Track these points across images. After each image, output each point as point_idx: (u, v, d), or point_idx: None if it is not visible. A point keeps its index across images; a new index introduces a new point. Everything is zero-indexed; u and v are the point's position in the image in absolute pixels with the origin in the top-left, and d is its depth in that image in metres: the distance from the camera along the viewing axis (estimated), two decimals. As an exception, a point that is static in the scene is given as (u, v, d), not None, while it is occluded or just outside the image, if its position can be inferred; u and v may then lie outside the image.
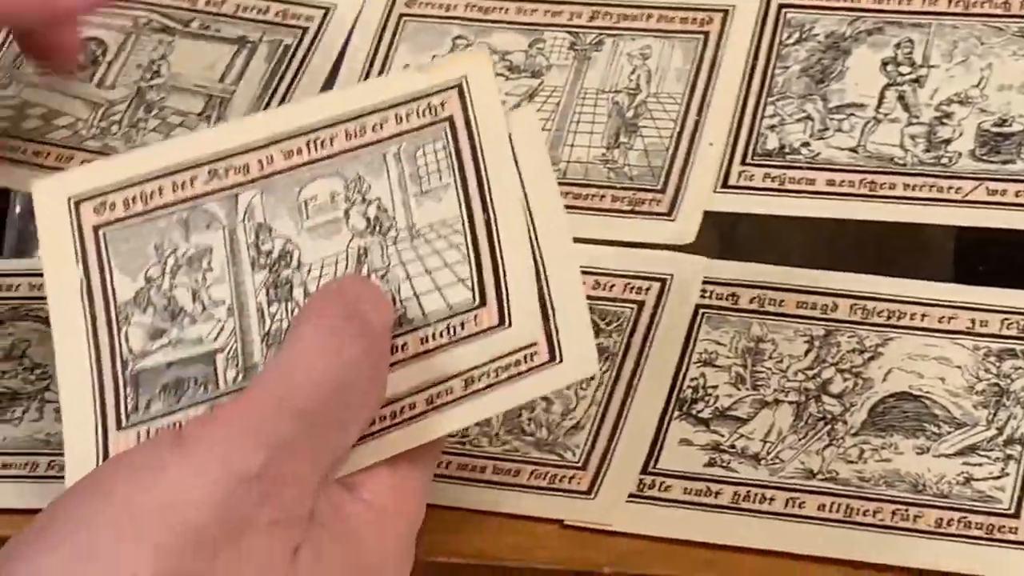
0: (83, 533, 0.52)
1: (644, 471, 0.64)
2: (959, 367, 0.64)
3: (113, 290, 0.58)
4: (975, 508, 0.60)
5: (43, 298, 0.65)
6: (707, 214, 0.70)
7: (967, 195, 0.68)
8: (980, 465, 0.62)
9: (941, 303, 0.67)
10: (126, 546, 0.52)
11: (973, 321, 0.66)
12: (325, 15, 0.78)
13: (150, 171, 0.58)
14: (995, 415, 0.63)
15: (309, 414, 0.54)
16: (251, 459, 0.53)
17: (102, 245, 0.58)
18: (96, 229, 0.58)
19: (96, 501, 0.53)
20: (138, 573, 0.51)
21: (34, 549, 0.52)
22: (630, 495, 0.63)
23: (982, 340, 0.65)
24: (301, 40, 0.78)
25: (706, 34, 0.74)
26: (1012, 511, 0.60)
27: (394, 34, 0.78)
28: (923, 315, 0.66)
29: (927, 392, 0.64)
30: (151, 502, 0.52)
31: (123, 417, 0.57)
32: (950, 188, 0.68)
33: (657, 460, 0.64)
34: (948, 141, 0.69)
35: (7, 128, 0.77)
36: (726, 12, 0.75)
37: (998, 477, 0.61)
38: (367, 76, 0.76)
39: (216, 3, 0.80)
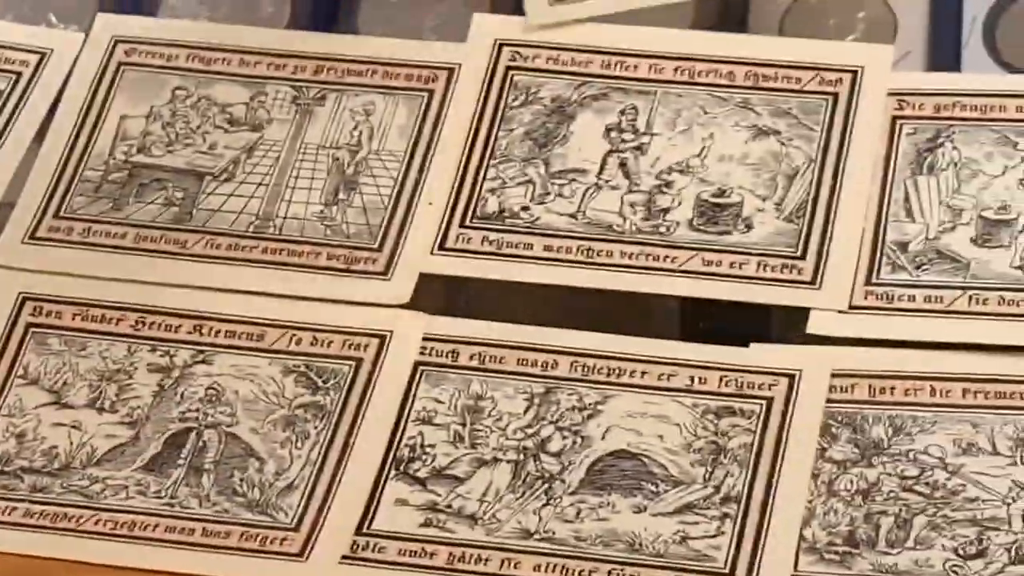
0: None
1: (358, 532, 0.64)
2: (678, 424, 0.65)
3: None
4: (690, 568, 0.61)
5: None
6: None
7: (683, 264, 0.69)
8: (696, 523, 0.63)
9: (662, 360, 0.68)
10: None
11: (692, 378, 0.67)
12: (41, 60, 0.77)
13: None
14: (712, 473, 0.64)
15: None
16: None
17: None
18: None
19: None
20: None
21: None
22: (343, 556, 0.63)
23: (701, 397, 0.66)
24: (15, 85, 0.77)
25: (431, 92, 0.75)
26: (727, 570, 0.61)
27: (112, 83, 0.77)
28: (643, 372, 0.67)
29: (645, 450, 0.65)
30: None
31: None
32: (667, 257, 0.69)
33: (372, 521, 0.64)
34: (667, 210, 0.70)
35: None
36: (451, 70, 0.75)
37: (714, 536, 0.62)
38: (82, 125, 0.75)
39: None
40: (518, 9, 0.81)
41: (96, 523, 0.65)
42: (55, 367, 0.69)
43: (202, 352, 0.69)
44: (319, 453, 0.66)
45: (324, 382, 0.68)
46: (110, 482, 0.66)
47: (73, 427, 0.67)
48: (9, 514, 0.65)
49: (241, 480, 0.65)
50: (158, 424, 0.67)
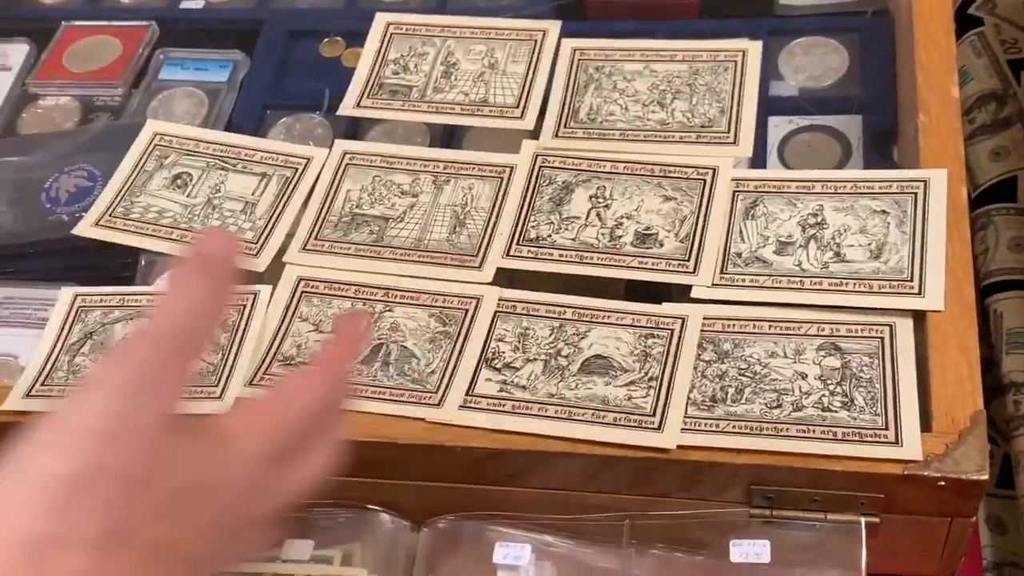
0: None
1: (467, 394, 0.64)
2: (626, 342, 0.65)
3: None
4: (632, 412, 0.62)
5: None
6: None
7: (628, 263, 0.69)
8: (635, 390, 0.63)
9: (617, 311, 0.67)
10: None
11: (633, 319, 0.67)
12: (307, 162, 0.76)
13: None
14: (643, 365, 0.64)
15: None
16: None
17: None
18: None
19: None
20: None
21: None
22: (459, 406, 0.63)
23: (637, 328, 0.66)
24: (295, 175, 0.76)
25: (502, 178, 0.74)
26: (650, 412, 0.62)
27: (342, 173, 0.76)
28: (607, 315, 0.67)
29: (610, 355, 0.65)
30: None
31: None
32: (619, 260, 0.69)
33: (473, 388, 0.64)
34: (620, 236, 0.70)
35: (140, 216, 0.75)
36: (512, 167, 0.74)
37: (644, 396, 0.63)
38: (328, 193, 0.74)
39: (249, 153, 0.78)
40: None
41: None
42: (315, 312, 0.69)
43: (389, 306, 0.69)
44: (447, 356, 0.66)
45: (450, 321, 0.68)
46: None
47: (325, 342, 0.68)
48: None
49: (408, 369, 0.66)
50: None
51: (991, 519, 0.75)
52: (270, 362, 0.67)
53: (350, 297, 0.69)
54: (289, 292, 0.70)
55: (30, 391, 0.67)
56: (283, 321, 0.69)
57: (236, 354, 0.67)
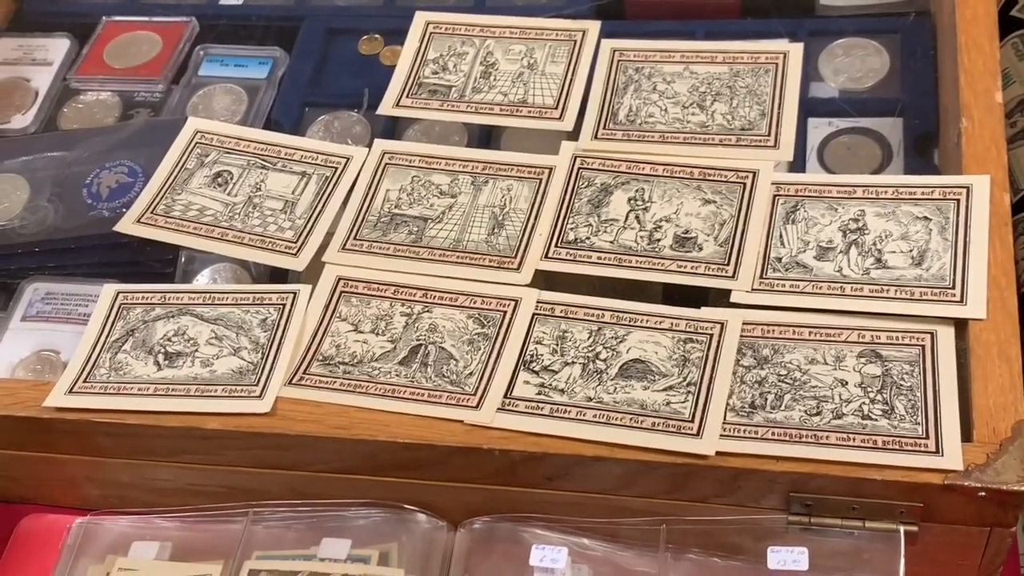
0: None
1: (505, 396, 0.64)
2: (665, 346, 0.65)
3: None
4: (670, 417, 0.61)
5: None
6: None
7: (667, 267, 0.68)
8: (674, 395, 0.63)
9: (655, 314, 0.67)
10: None
11: (671, 323, 0.66)
12: (347, 161, 0.76)
13: None
14: (682, 371, 0.64)
15: None
16: None
17: None
18: None
19: None
20: None
21: None
22: (497, 409, 0.63)
23: (676, 333, 0.66)
24: (335, 174, 0.76)
25: (541, 179, 0.73)
26: (689, 418, 0.61)
27: (381, 173, 0.75)
28: (646, 319, 0.67)
29: (648, 358, 0.65)
30: None
31: None
32: (658, 263, 0.69)
33: (512, 391, 0.64)
34: (659, 240, 0.69)
35: (181, 214, 0.75)
36: (551, 168, 0.74)
37: (683, 401, 0.62)
38: (367, 193, 0.74)
39: (289, 152, 0.78)
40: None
41: (374, 388, 0.65)
42: (354, 312, 0.69)
43: (427, 307, 0.68)
44: (485, 357, 0.66)
45: (488, 322, 0.67)
46: (383, 369, 0.66)
47: (364, 342, 0.67)
48: (332, 384, 0.66)
49: (447, 370, 0.65)
50: (406, 342, 0.67)
51: (1029, 527, 0.74)
52: (310, 361, 0.67)
53: (389, 297, 0.69)
54: (328, 291, 0.70)
55: (72, 388, 0.67)
56: (322, 320, 0.69)
57: (276, 353, 0.67)
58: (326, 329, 0.68)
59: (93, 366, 0.68)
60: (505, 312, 0.68)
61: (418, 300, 0.69)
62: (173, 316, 0.70)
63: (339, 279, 0.70)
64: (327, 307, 0.69)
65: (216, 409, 0.64)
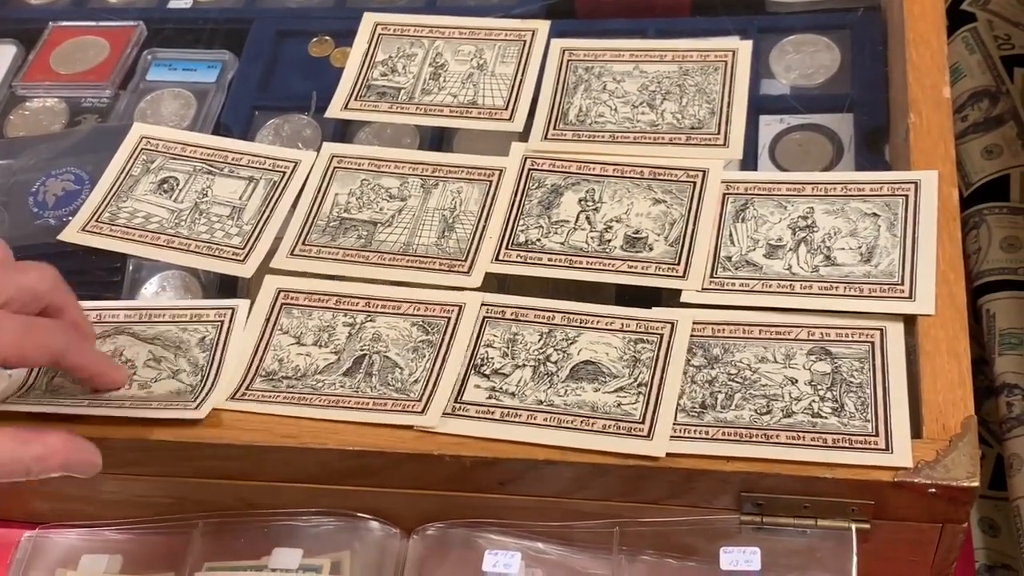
0: None
1: (454, 400, 0.63)
2: (615, 347, 0.65)
3: None
4: (621, 419, 0.61)
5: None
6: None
7: (617, 267, 0.68)
8: (624, 397, 0.62)
9: (606, 315, 0.66)
10: None
11: (622, 324, 0.66)
12: (295, 165, 0.76)
13: None
14: (633, 371, 0.64)
15: None
16: None
17: None
18: None
19: None
20: None
21: None
22: (444, 413, 0.62)
23: (627, 333, 0.65)
24: (283, 179, 0.75)
25: (491, 181, 0.73)
26: (640, 419, 0.61)
27: (330, 176, 0.75)
28: (597, 320, 0.66)
29: (599, 360, 0.64)
30: None
31: None
32: (609, 264, 0.68)
33: (461, 395, 0.63)
34: (609, 240, 0.69)
35: (127, 222, 0.74)
36: (502, 170, 0.73)
37: (634, 403, 0.62)
38: (315, 197, 0.73)
39: (236, 157, 0.77)
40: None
41: (319, 400, 0.64)
42: (296, 324, 0.68)
43: (370, 316, 0.67)
44: (430, 364, 0.65)
45: (432, 329, 0.66)
46: (327, 381, 0.65)
47: (307, 355, 0.66)
48: (276, 398, 0.64)
49: (392, 379, 0.64)
50: (349, 352, 0.66)
51: (984, 521, 0.74)
52: (252, 377, 0.66)
53: (331, 308, 0.68)
54: (269, 304, 0.69)
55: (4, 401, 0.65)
56: (263, 335, 0.67)
57: (216, 375, 0.65)
58: (267, 344, 0.67)
59: (31, 387, 0.66)
60: (449, 318, 0.66)
61: (361, 309, 0.68)
62: (109, 335, 0.68)
63: (279, 291, 0.69)
64: (267, 320, 0.68)
65: (151, 415, 0.63)
